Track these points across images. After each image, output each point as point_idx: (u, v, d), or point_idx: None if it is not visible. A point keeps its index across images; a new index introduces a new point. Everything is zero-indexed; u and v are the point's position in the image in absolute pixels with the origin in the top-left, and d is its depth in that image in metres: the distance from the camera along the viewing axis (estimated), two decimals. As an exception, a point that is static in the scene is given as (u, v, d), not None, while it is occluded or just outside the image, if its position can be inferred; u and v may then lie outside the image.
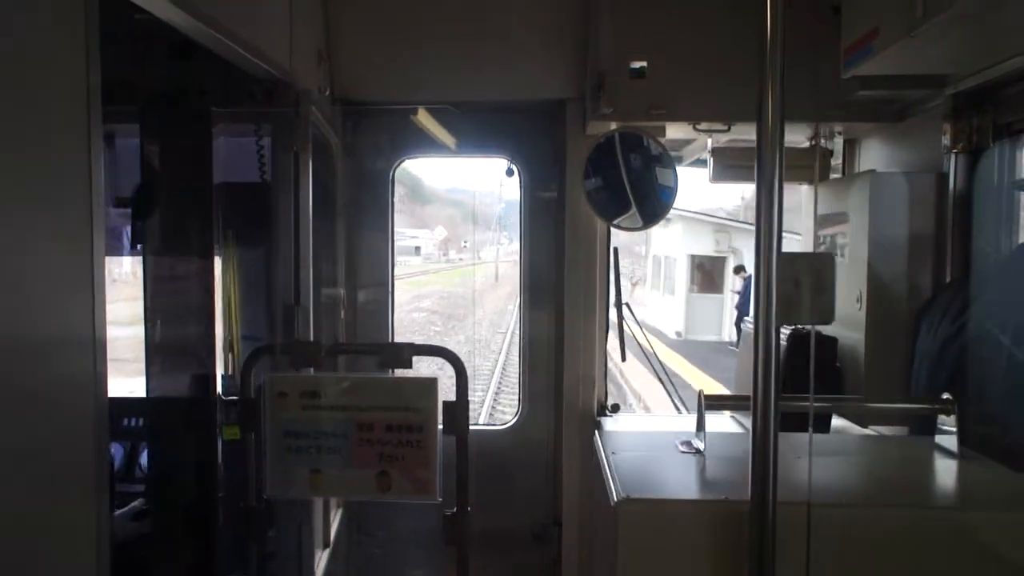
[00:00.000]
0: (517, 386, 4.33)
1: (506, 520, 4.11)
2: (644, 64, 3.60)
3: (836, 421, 3.42)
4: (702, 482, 1.94)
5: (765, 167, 1.49)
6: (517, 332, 4.29)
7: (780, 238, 1.45)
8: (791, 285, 1.42)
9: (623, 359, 4.19)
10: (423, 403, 2.18)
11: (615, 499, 1.72)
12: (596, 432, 3.80)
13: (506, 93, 3.94)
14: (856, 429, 3.31)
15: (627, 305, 4.15)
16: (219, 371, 2.54)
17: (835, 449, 2.24)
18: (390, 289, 4.23)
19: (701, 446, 2.06)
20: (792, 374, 3.42)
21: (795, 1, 3.42)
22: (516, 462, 4.13)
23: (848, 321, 3.39)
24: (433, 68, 3.84)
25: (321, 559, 3.33)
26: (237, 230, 3.19)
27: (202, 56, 2.17)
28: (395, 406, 2.19)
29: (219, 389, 2.46)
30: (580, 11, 3.76)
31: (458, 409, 2.20)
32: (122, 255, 3.24)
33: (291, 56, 2.86)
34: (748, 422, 3.44)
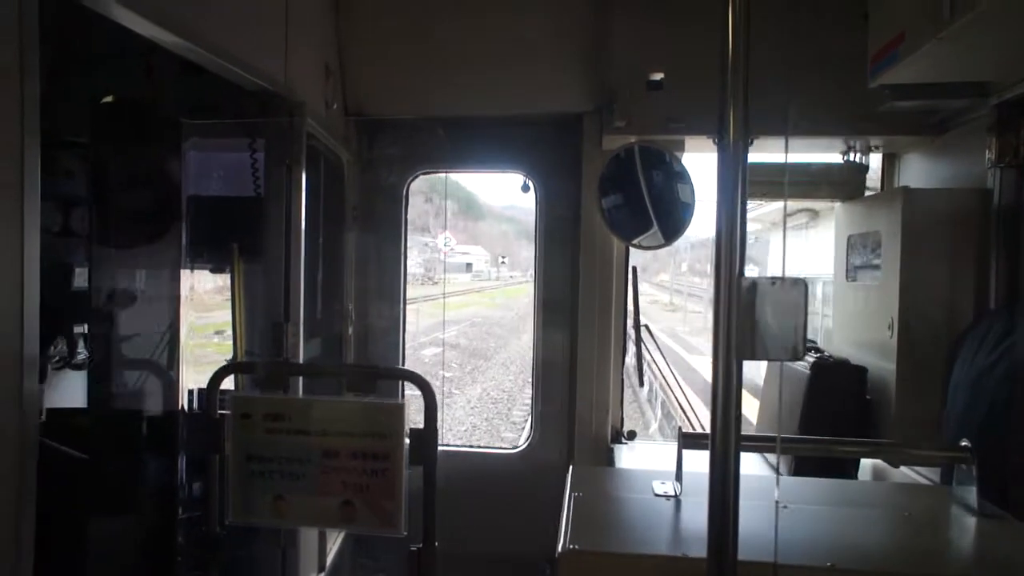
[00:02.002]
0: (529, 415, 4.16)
1: (515, 546, 3.94)
2: (662, 76, 3.44)
3: (868, 460, 3.15)
4: (665, 534, 1.74)
5: (726, 185, 1.32)
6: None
7: (743, 261, 1.28)
8: (754, 315, 1.24)
9: (640, 384, 3.99)
10: (390, 430, 2.05)
11: (559, 548, 1.56)
12: (607, 465, 3.60)
13: (522, 106, 3.83)
14: (890, 470, 3.03)
15: (646, 327, 3.95)
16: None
17: (833, 498, 2.00)
18: (402, 306, 4.13)
19: (678, 489, 1.86)
20: (815, 408, 3.19)
21: (823, 10, 3.25)
22: (526, 487, 3.96)
23: (880, 350, 3.12)
24: (448, 82, 3.76)
25: (314, 584, 3.23)
26: (241, 244, 3.15)
27: (174, 65, 2.12)
28: (361, 432, 2.07)
29: (183, 404, 2.39)
30: (598, 22, 3.62)
31: (426, 437, 2.06)
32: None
33: (286, 69, 2.81)
34: (782, 467, 3.22)
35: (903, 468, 2.97)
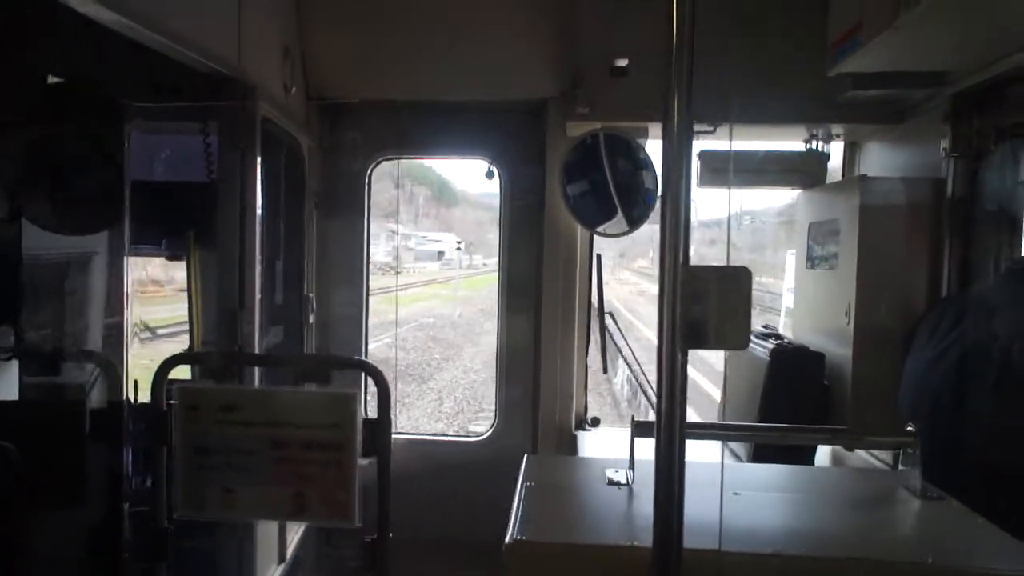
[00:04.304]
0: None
1: (479, 533, 3.94)
2: (626, 62, 3.42)
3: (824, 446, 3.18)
4: (615, 522, 1.74)
5: (671, 170, 1.30)
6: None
7: (687, 248, 1.26)
8: (697, 303, 1.23)
9: (604, 371, 3.99)
10: (341, 420, 2.02)
11: (506, 540, 1.54)
12: (570, 453, 3.61)
13: (487, 91, 3.78)
14: (847, 454, 3.07)
15: (611, 315, 3.95)
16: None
17: (784, 484, 2.02)
18: (365, 295, 4.08)
19: (631, 477, 1.86)
20: (774, 394, 3.22)
21: None
22: (490, 474, 3.94)
23: (838, 336, 3.16)
24: (412, 66, 3.70)
25: (274, 575, 3.19)
26: (197, 231, 3.08)
27: (121, 44, 2.04)
28: (312, 423, 2.03)
29: (127, 395, 2.32)
30: (564, 7, 3.58)
31: (380, 428, 2.04)
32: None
33: (240, 51, 2.73)
34: (740, 451, 3.25)
35: (860, 452, 3.02)
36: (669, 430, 1.27)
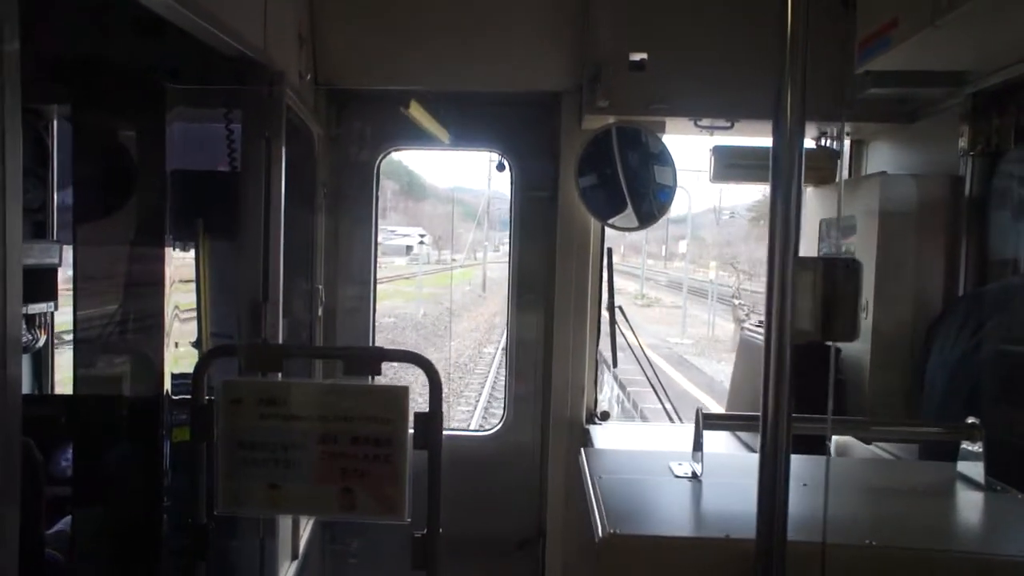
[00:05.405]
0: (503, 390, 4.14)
1: (489, 528, 3.92)
2: (644, 56, 3.41)
3: (838, 436, 3.23)
4: (699, 515, 1.74)
5: (781, 167, 1.31)
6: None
7: (797, 241, 1.26)
8: (808, 295, 1.23)
9: (614, 365, 4.00)
10: (392, 414, 1.98)
11: (599, 534, 1.53)
12: (582, 446, 3.60)
13: (499, 83, 3.74)
14: (860, 446, 3.12)
15: (620, 308, 3.95)
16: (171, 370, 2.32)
17: (845, 475, 2.05)
18: (372, 287, 4.02)
19: (699, 470, 1.86)
20: (795, 387, 3.25)
21: None
22: (500, 469, 3.94)
23: (853, 332, 3.21)
24: (423, 55, 3.64)
25: (288, 572, 3.13)
26: (209, 220, 2.98)
27: (154, 26, 1.96)
28: (361, 416, 1.99)
29: (168, 389, 2.24)
30: (579, 0, 3.56)
31: (431, 421, 2.00)
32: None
33: (265, 35, 2.65)
34: (753, 442, 3.29)
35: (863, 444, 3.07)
36: (775, 423, 1.27)
